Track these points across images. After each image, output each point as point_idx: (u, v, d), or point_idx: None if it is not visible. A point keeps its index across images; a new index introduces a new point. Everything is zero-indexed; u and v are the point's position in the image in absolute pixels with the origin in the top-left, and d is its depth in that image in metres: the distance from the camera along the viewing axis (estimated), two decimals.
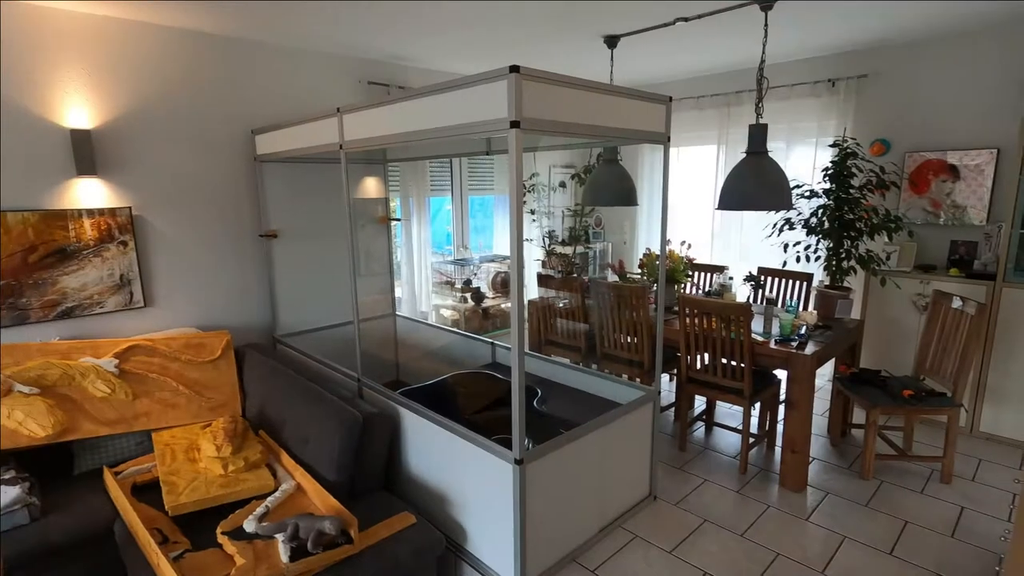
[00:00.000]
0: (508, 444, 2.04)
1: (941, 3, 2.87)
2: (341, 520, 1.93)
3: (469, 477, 2.21)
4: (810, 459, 3.07)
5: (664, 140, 2.35)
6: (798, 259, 3.53)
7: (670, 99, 2.34)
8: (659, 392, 2.62)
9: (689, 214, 5.03)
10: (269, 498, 2.21)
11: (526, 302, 4.56)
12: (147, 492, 2.38)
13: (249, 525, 2.03)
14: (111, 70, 2.87)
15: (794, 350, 2.71)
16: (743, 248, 4.63)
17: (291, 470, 2.42)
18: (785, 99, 4.15)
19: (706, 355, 3.03)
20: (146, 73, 2.98)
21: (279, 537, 1.93)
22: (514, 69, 1.68)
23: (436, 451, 2.38)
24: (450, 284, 4.52)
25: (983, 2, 2.85)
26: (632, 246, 5.30)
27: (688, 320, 2.99)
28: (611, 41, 3.39)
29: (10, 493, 2.18)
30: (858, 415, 3.62)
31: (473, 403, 2.98)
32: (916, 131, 3.67)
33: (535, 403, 2.79)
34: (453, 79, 1.86)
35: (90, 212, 2.88)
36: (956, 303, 2.84)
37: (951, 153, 3.55)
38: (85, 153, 2.80)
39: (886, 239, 3.60)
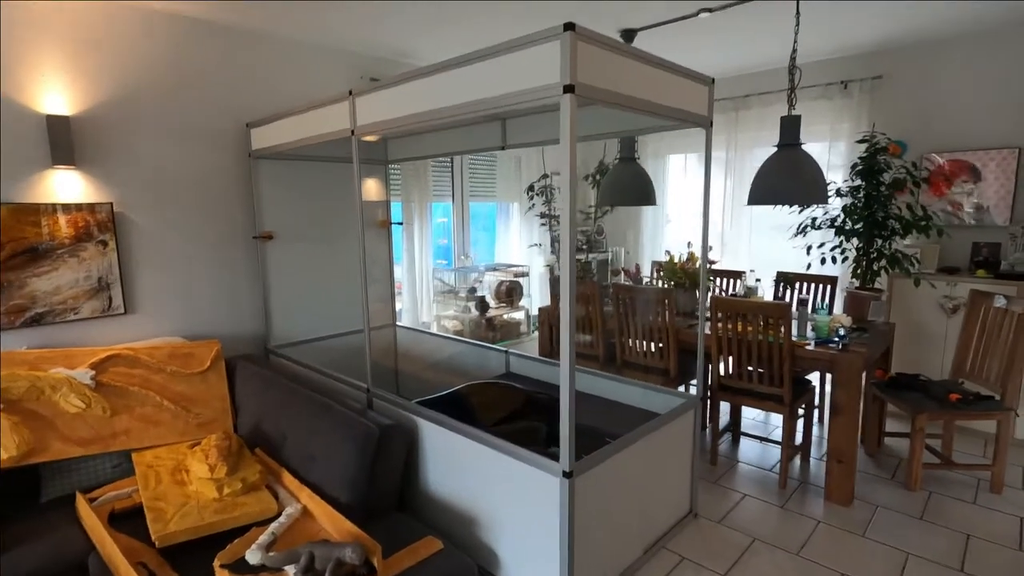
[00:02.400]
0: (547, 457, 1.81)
1: (957, 3, 2.83)
2: (363, 547, 1.66)
3: (504, 495, 1.97)
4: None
5: (707, 123, 2.20)
6: (823, 261, 3.40)
7: (712, 80, 2.19)
8: (701, 399, 2.41)
9: (696, 219, 4.92)
10: (273, 524, 1.93)
11: (537, 310, 4.34)
12: (128, 521, 2.08)
13: (253, 556, 1.74)
14: (94, 52, 2.62)
15: (839, 351, 2.54)
16: (752, 252, 4.51)
17: (295, 491, 2.14)
18: (797, 101, 4.07)
19: (736, 360, 2.84)
20: (132, 57, 2.74)
21: (290, 569, 1.65)
22: (568, 27, 1.50)
23: (461, 466, 2.12)
24: (453, 293, 4.29)
25: (999, 2, 2.81)
26: (636, 253, 5.15)
27: (720, 324, 2.81)
28: (628, 35, 3.27)
29: None
30: (891, 423, 3.47)
31: (491, 414, 2.74)
32: (933, 132, 3.61)
33: None
34: (496, 44, 1.67)
35: (66, 207, 2.59)
36: (1000, 302, 2.72)
37: (970, 154, 3.49)
38: (63, 141, 2.53)
39: (906, 241, 3.49)
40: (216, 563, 1.75)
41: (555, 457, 1.80)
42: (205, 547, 1.89)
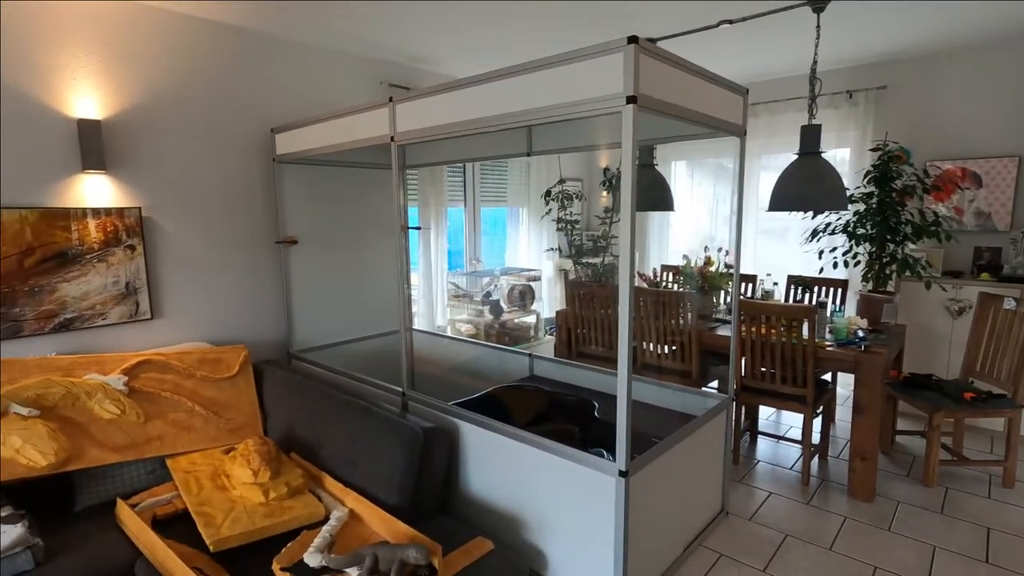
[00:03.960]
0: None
1: (961, 16, 2.96)
2: (427, 548, 1.69)
3: (553, 495, 2.00)
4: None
5: (741, 132, 2.27)
6: (835, 265, 3.50)
7: (747, 91, 2.26)
8: (734, 400, 2.48)
9: (701, 225, 5.01)
10: (325, 527, 1.94)
11: (552, 313, 4.38)
12: (168, 527, 2.07)
13: (312, 559, 1.75)
14: (124, 56, 2.61)
15: (862, 352, 2.63)
16: (757, 256, 4.62)
17: (340, 495, 2.15)
18: (802, 110, 4.19)
19: (757, 362, 2.92)
20: (161, 62, 2.73)
21: (353, 571, 1.67)
22: (632, 40, 1.56)
23: (504, 467, 2.16)
24: (468, 297, 4.31)
25: (1000, 12, 2.95)
26: (643, 257, 5.23)
27: (743, 326, 2.88)
28: None
29: (11, 533, 1.84)
30: (901, 422, 3.57)
31: (522, 416, 2.77)
32: (936, 140, 3.75)
33: (596, 414, 2.61)
34: (555, 54, 1.71)
35: (95, 212, 2.58)
36: (1009, 304, 2.83)
37: (972, 161, 3.63)
38: (93, 146, 2.51)
39: (913, 246, 3.61)
40: (275, 566, 1.75)
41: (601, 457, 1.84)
42: (253, 552, 1.90)
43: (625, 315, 1.68)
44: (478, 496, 2.28)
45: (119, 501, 2.12)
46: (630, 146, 1.60)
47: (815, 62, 2.73)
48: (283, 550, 1.83)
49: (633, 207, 1.67)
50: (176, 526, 2.08)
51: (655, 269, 4.25)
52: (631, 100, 1.57)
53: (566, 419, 2.67)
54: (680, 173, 5.13)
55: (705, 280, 3.43)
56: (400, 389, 2.58)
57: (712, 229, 4.96)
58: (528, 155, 3.05)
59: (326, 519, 2.05)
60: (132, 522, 2.01)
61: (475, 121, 1.97)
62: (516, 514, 2.14)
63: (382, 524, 1.95)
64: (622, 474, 1.77)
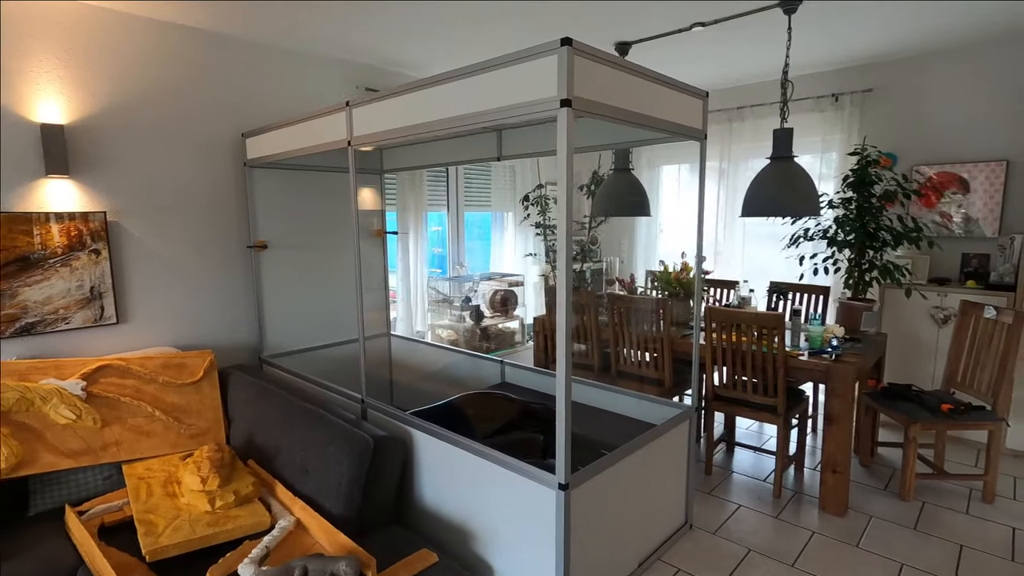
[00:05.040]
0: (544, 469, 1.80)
1: (946, 17, 2.88)
2: (358, 560, 1.65)
3: (499, 507, 1.96)
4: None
5: (701, 137, 2.22)
6: (816, 271, 3.43)
7: (706, 94, 2.21)
8: (696, 409, 2.42)
9: (689, 229, 4.95)
10: (266, 537, 1.91)
11: (531, 320, 4.34)
12: (118, 534, 2.05)
13: (246, 570, 1.72)
14: (89, 61, 2.62)
15: (832, 362, 2.56)
16: (746, 262, 4.54)
17: (289, 504, 2.12)
18: (789, 114, 4.12)
19: (730, 371, 2.85)
20: (127, 67, 2.73)
21: None
22: (565, 42, 1.52)
23: (456, 478, 2.11)
24: (448, 302, 4.28)
25: (986, 12, 2.87)
26: (630, 262, 5.17)
27: (715, 334, 2.82)
28: (622, 48, 3.30)
29: None
30: (883, 434, 3.49)
31: (487, 425, 2.73)
32: (923, 144, 3.66)
33: None
34: (493, 57, 1.68)
35: (59, 216, 2.58)
36: (989, 312, 2.75)
37: (959, 166, 3.54)
38: (57, 150, 2.52)
39: (897, 252, 3.53)
40: None
41: (551, 469, 1.80)
42: (197, 561, 1.88)
43: (562, 321, 1.64)
44: (431, 507, 2.24)
45: (67, 508, 2.11)
46: (565, 150, 1.56)
47: (787, 64, 2.68)
48: (220, 560, 1.81)
49: (570, 217, 1.62)
50: (125, 533, 2.07)
51: (632, 275, 4.19)
52: (565, 103, 1.53)
53: (529, 428, 2.63)
54: (669, 177, 5.07)
55: (681, 286, 3.37)
56: (359, 396, 2.55)
57: (708, 235, 4.88)
58: (498, 160, 3.02)
59: (272, 529, 2.02)
60: (77, 529, 2.00)
61: (421, 125, 1.94)
62: (466, 526, 2.10)
63: (324, 535, 1.92)
64: (562, 487, 1.72)
